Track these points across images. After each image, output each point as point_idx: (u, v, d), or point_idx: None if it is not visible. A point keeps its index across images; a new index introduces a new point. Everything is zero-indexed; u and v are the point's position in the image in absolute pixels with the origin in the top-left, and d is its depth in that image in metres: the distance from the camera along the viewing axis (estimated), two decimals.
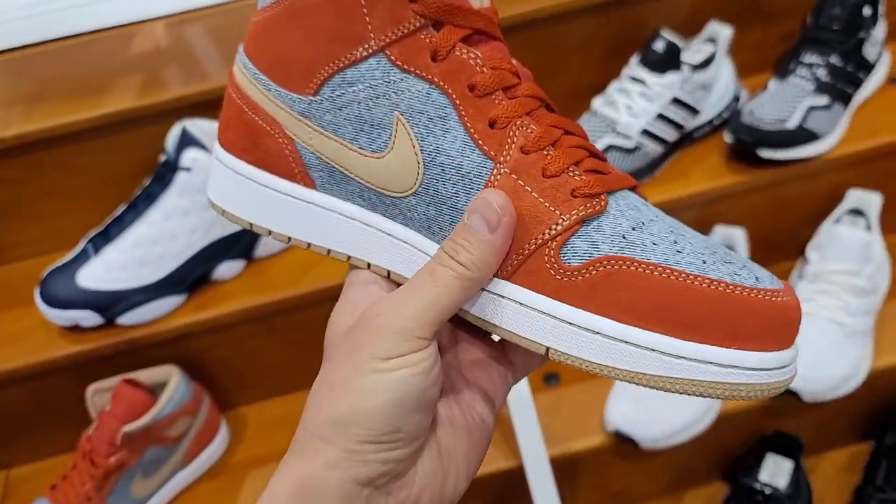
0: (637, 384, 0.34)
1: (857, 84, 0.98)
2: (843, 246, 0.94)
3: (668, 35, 0.96)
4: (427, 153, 0.36)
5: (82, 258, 0.91)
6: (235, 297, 0.95)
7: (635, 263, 0.34)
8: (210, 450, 0.99)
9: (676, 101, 0.96)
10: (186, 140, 0.90)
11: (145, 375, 0.95)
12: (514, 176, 0.35)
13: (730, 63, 1.01)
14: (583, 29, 1.03)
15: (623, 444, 0.92)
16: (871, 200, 0.99)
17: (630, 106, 0.95)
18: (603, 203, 0.35)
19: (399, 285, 0.39)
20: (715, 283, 0.33)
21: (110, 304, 0.90)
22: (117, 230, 0.91)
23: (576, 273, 0.34)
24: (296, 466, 0.34)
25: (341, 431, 0.33)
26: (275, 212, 0.41)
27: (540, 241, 0.35)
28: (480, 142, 0.36)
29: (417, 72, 0.36)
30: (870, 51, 0.98)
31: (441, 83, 0.36)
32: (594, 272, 0.34)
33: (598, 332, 0.34)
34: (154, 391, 0.95)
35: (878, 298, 0.96)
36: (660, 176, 0.98)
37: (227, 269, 0.95)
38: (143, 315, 0.92)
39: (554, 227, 0.35)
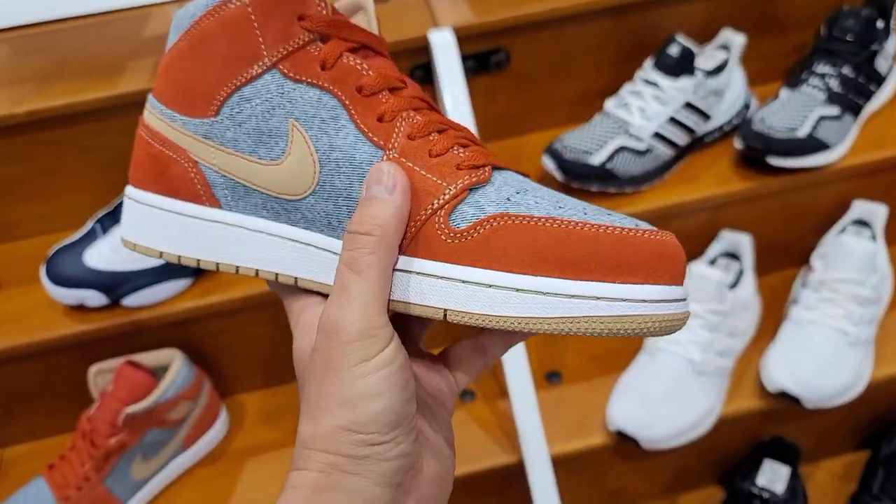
0: (536, 331, 0.35)
1: (868, 96, 0.99)
2: (847, 255, 0.95)
3: (683, 40, 0.96)
4: (322, 152, 0.38)
5: (90, 238, 0.91)
6: (241, 283, 0.94)
7: (519, 217, 0.35)
8: (209, 435, 0.99)
9: (689, 106, 0.96)
10: None
11: (148, 358, 0.95)
12: (403, 159, 0.38)
13: (742, 71, 1.02)
14: (596, 31, 1.03)
15: (623, 443, 0.93)
16: (877, 212, 1.00)
17: (643, 108, 0.96)
18: (487, 173, 0.37)
19: (316, 291, 0.41)
20: (596, 226, 0.35)
21: (116, 285, 0.90)
22: None
23: (464, 234, 0.36)
24: (308, 478, 0.35)
25: (350, 441, 0.34)
26: (182, 236, 0.43)
27: (430, 211, 0.36)
28: (370, 134, 0.38)
29: (308, 80, 0.39)
30: (881, 63, 0.99)
31: (330, 87, 0.38)
32: (482, 231, 0.36)
33: (490, 286, 0.35)
34: (156, 374, 0.95)
35: (881, 309, 0.97)
36: (669, 179, 0.99)
37: None
38: (148, 297, 0.92)
39: (441, 196, 0.37)
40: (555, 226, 0.35)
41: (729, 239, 1.02)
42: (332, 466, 0.34)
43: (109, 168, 0.98)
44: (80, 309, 0.92)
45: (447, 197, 0.37)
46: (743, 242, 1.01)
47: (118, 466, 0.92)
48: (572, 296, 0.34)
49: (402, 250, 0.37)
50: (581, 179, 0.94)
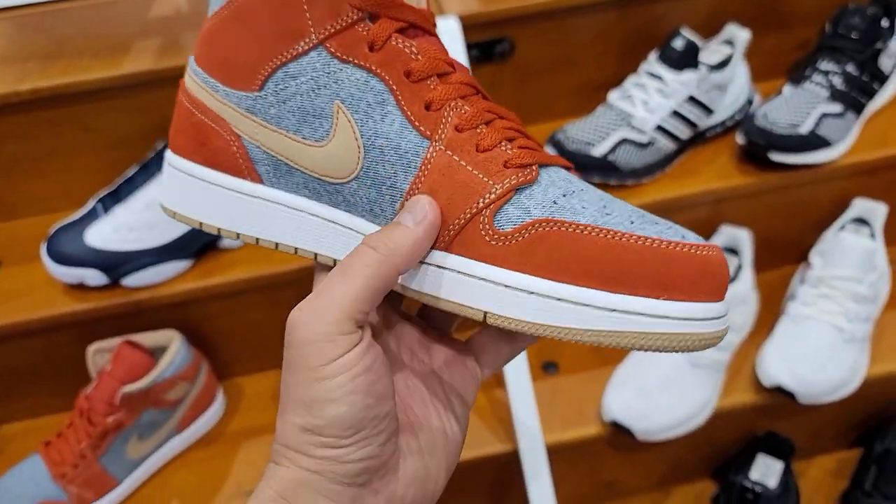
0: (573, 340, 0.35)
1: (871, 94, 0.99)
2: (846, 253, 0.95)
3: (688, 34, 0.96)
4: (366, 137, 0.38)
5: (91, 217, 0.91)
6: (241, 265, 0.95)
7: (565, 224, 0.35)
8: (206, 417, 0.99)
9: (692, 100, 0.96)
10: None
11: (146, 338, 0.95)
12: (449, 152, 0.37)
13: (745, 66, 1.02)
14: (600, 23, 1.03)
15: (618, 434, 0.93)
16: (877, 210, 1.00)
17: (646, 101, 0.96)
18: (534, 173, 0.37)
19: None
20: (642, 239, 0.34)
21: (116, 265, 0.90)
22: (128, 191, 0.91)
23: (509, 237, 0.35)
24: (278, 473, 0.35)
25: (309, 442, 0.34)
26: (223, 209, 0.42)
27: (475, 210, 0.36)
28: (417, 123, 0.37)
29: (356, 61, 0.37)
30: (885, 62, 0.99)
31: (378, 70, 0.37)
32: (526, 235, 0.35)
33: (532, 292, 0.35)
34: (154, 354, 0.95)
35: (878, 307, 0.98)
36: (670, 172, 0.99)
37: None
38: (148, 277, 0.92)
39: (487, 195, 0.36)
40: (601, 236, 0.34)
41: (728, 234, 1.02)
42: (294, 462, 0.35)
43: (112, 148, 0.98)
44: (79, 288, 0.92)
45: (493, 197, 0.36)
46: (742, 237, 1.01)
47: (114, 445, 0.92)
48: (613, 309, 0.34)
49: (444, 246, 0.37)
50: (583, 171, 0.94)
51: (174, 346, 0.94)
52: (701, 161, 1.01)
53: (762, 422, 1.06)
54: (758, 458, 1.01)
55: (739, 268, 1.01)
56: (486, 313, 0.36)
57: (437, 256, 0.37)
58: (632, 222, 0.35)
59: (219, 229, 0.43)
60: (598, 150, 0.94)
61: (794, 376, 0.91)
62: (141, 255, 0.91)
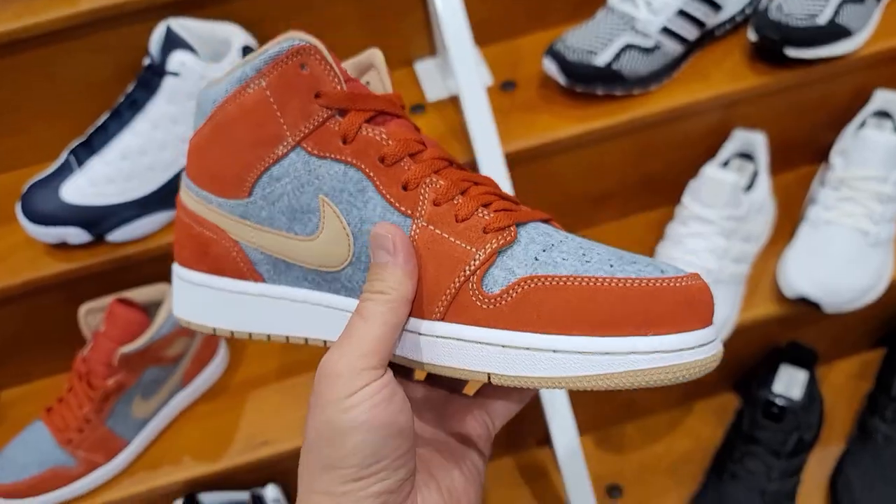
0: (578, 388, 0.36)
1: None
2: (869, 150, 0.90)
3: None
4: (353, 225, 0.40)
5: (65, 171, 0.85)
6: None
7: (548, 279, 0.36)
8: (209, 370, 0.96)
9: None
10: (172, 41, 0.82)
11: (139, 294, 0.91)
12: (430, 227, 0.39)
13: None
14: None
15: None
16: None
17: (650, 1, 0.88)
18: (513, 233, 0.38)
19: None
20: (622, 280, 0.36)
21: (98, 220, 0.85)
22: (101, 141, 0.85)
23: (498, 299, 0.37)
24: None
25: (330, 480, 0.35)
26: (232, 312, 0.44)
27: (463, 278, 0.38)
28: (397, 204, 0.39)
29: (332, 156, 0.40)
30: None
31: (354, 161, 0.40)
32: (514, 294, 0.37)
33: (527, 348, 0.36)
34: (148, 310, 0.91)
35: None
36: (678, 77, 0.92)
37: None
38: (133, 231, 0.86)
39: (472, 262, 0.38)
40: (582, 284, 0.36)
41: (742, 138, 0.96)
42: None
43: (79, 95, 0.91)
44: (62, 247, 0.87)
45: (478, 263, 0.38)
46: (757, 141, 0.96)
47: (118, 407, 0.89)
48: (607, 353, 0.35)
49: (439, 316, 0.38)
50: (586, 82, 0.88)
51: (169, 301, 0.89)
52: (710, 63, 0.94)
53: (784, 332, 1.03)
54: (781, 370, 0.98)
55: (755, 174, 0.96)
56: (489, 375, 0.37)
57: (434, 327, 0.38)
58: (611, 265, 0.36)
59: (232, 332, 0.45)
60: (602, 59, 0.87)
61: (818, 285, 0.87)
62: (123, 209, 0.85)
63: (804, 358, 1.00)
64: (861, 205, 0.89)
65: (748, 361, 1.05)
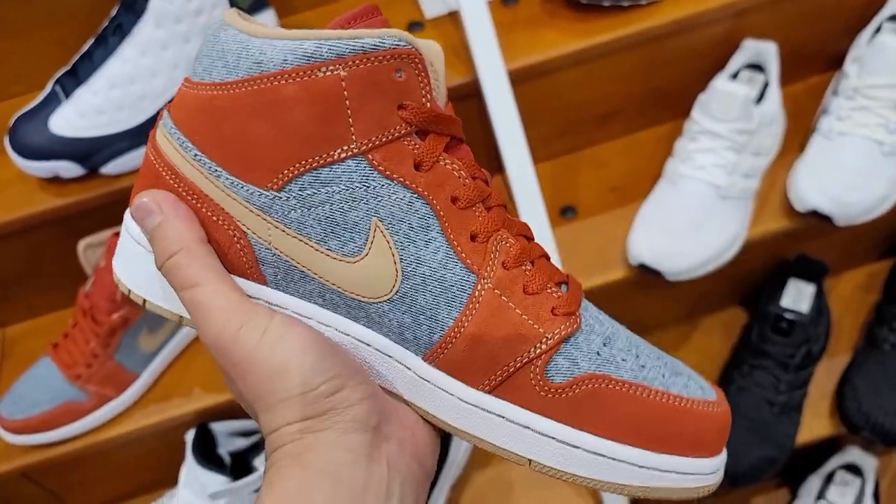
0: (612, 492, 0.37)
1: None
2: (885, 57, 0.86)
3: None
4: (406, 262, 0.36)
5: (52, 102, 0.82)
6: None
7: (612, 382, 0.36)
8: None
9: None
10: None
11: None
12: (497, 292, 0.36)
13: None
14: None
15: (646, 276, 0.89)
16: None
17: None
18: (578, 321, 0.37)
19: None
20: (677, 399, 0.37)
21: (90, 153, 0.82)
22: (87, 69, 0.81)
23: (560, 391, 0.36)
24: (283, 451, 0.34)
25: (305, 404, 0.34)
26: None
27: (526, 359, 0.36)
28: (464, 255, 0.36)
29: (401, 180, 0.35)
30: None
31: (425, 193, 0.35)
32: (578, 391, 0.36)
33: (578, 447, 0.36)
34: None
35: None
36: None
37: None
38: (128, 163, 0.84)
39: (539, 345, 0.36)
40: (643, 395, 0.36)
41: (752, 48, 0.93)
42: (302, 432, 0.34)
43: (60, 20, 0.87)
44: (56, 181, 0.85)
45: (545, 347, 0.36)
46: (768, 51, 0.92)
47: (125, 341, 0.89)
48: (653, 468, 0.36)
49: (488, 389, 0.36)
50: None
51: None
52: None
53: (793, 245, 1.02)
54: (789, 284, 0.98)
55: (766, 85, 0.93)
56: (530, 461, 0.36)
57: (481, 399, 0.36)
58: (663, 376, 0.37)
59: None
60: None
61: (831, 198, 0.85)
62: (115, 140, 0.82)
63: (813, 271, 0.99)
64: (876, 114, 0.87)
65: (756, 275, 1.05)
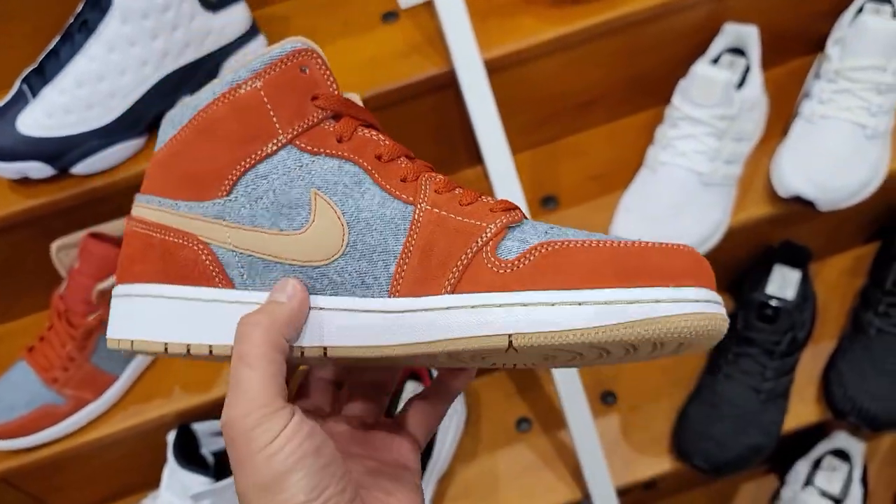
0: (598, 341, 0.35)
1: None
2: (867, 38, 0.85)
3: None
4: (349, 215, 0.40)
5: (19, 101, 0.80)
6: None
7: (564, 242, 0.37)
8: None
9: None
10: None
11: (112, 227, 0.87)
12: (435, 210, 0.39)
13: None
14: None
15: None
16: None
17: None
18: (520, 214, 0.39)
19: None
20: (638, 243, 0.37)
21: (60, 153, 0.81)
22: (54, 68, 0.79)
23: (516, 263, 0.37)
24: None
25: None
26: (192, 322, 0.42)
27: (476, 248, 0.38)
28: (397, 192, 0.40)
29: (328, 151, 0.40)
30: None
31: (351, 156, 0.40)
32: (532, 258, 0.37)
33: (554, 304, 0.36)
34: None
35: None
36: None
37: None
38: (99, 162, 0.82)
39: (484, 234, 0.38)
40: (602, 245, 0.37)
41: (733, 32, 0.92)
42: None
43: (24, 18, 0.85)
44: (25, 182, 0.83)
45: (490, 234, 0.38)
46: (749, 35, 0.91)
47: (102, 343, 0.87)
48: (632, 301, 0.35)
49: (450, 289, 0.38)
50: None
51: None
52: None
53: (778, 231, 1.01)
54: (774, 270, 0.97)
55: (747, 69, 0.92)
56: (510, 336, 0.36)
57: (446, 300, 0.38)
58: (618, 238, 0.37)
59: (188, 346, 0.42)
60: None
61: (814, 183, 0.84)
62: (85, 139, 0.81)
63: (798, 257, 0.98)
64: (858, 97, 0.86)
65: (741, 262, 1.04)
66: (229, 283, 0.41)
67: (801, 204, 0.86)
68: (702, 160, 0.86)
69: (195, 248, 0.41)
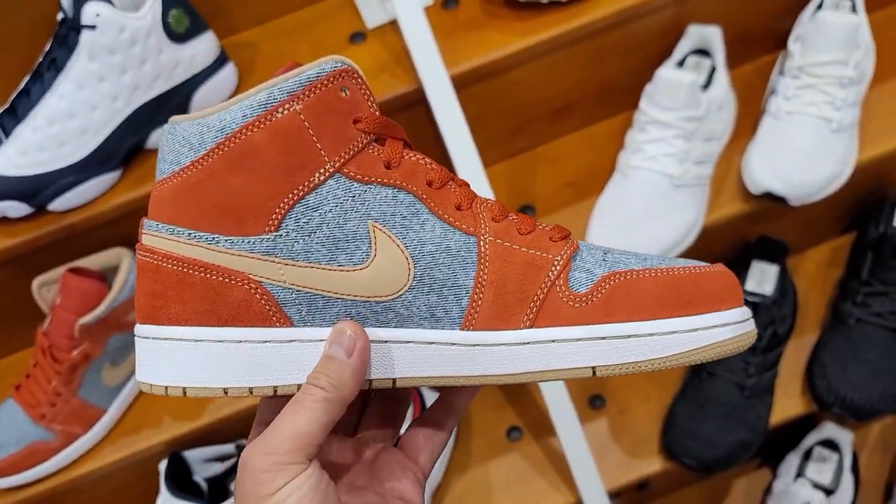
0: (674, 366, 0.39)
1: None
2: (828, 34, 0.86)
3: None
4: (412, 248, 0.39)
5: None
6: None
7: (628, 273, 0.40)
8: None
9: None
10: None
11: (92, 261, 0.88)
12: (499, 241, 0.40)
13: None
14: None
15: None
16: None
17: None
18: (576, 242, 0.41)
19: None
20: (687, 269, 0.41)
21: (36, 190, 0.81)
22: (25, 107, 0.80)
23: (589, 296, 0.39)
24: None
25: None
26: (250, 365, 0.39)
27: (549, 283, 0.39)
28: (457, 223, 0.40)
29: (378, 180, 0.39)
30: None
31: (404, 184, 0.39)
32: (603, 291, 0.39)
33: (630, 336, 0.39)
34: (106, 276, 0.89)
35: (864, 87, 0.90)
36: None
37: (161, 135, 0.85)
38: (75, 198, 0.83)
39: (554, 267, 0.40)
40: (660, 275, 0.40)
41: (697, 34, 0.93)
42: None
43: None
44: (2, 221, 0.84)
45: (559, 267, 0.40)
46: (713, 36, 0.92)
47: (88, 377, 0.88)
48: (693, 329, 0.39)
49: (528, 324, 0.39)
50: None
51: (125, 265, 0.87)
52: None
53: (753, 227, 1.02)
54: (752, 266, 0.98)
55: (713, 70, 0.93)
56: (594, 368, 0.39)
57: (526, 335, 0.39)
58: (664, 261, 0.41)
59: (250, 389, 0.39)
60: None
61: (783, 179, 0.85)
62: (60, 176, 0.81)
63: (775, 251, 0.99)
64: (822, 92, 0.87)
65: (719, 259, 1.04)
66: (287, 322, 0.39)
67: (773, 200, 0.87)
68: (671, 163, 0.87)
69: (246, 287, 0.39)
